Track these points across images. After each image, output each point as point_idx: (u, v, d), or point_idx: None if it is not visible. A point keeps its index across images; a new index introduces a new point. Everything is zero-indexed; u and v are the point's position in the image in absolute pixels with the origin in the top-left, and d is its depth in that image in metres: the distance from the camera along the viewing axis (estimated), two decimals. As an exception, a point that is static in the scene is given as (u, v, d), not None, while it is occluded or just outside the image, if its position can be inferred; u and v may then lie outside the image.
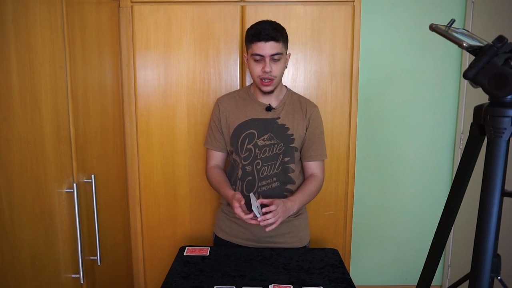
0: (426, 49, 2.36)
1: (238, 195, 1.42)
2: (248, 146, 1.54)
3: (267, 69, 1.44)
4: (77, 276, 1.30)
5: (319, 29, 1.83)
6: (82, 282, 1.31)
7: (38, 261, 1.11)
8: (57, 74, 1.20)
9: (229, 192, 1.49)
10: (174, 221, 1.98)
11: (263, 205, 1.41)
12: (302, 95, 1.86)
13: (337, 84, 1.88)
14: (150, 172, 1.94)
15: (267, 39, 1.41)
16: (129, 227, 1.97)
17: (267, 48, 1.42)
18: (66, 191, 1.25)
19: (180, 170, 1.94)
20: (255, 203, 1.36)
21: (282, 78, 1.59)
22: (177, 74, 1.87)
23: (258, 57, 1.44)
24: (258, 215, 1.34)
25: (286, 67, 1.55)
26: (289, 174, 1.56)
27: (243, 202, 1.39)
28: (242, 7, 1.82)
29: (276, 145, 1.54)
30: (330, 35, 1.84)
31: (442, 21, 1.03)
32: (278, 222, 1.36)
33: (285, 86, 1.65)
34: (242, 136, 1.55)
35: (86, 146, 1.42)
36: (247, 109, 1.57)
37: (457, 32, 0.96)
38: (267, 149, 1.54)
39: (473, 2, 2.25)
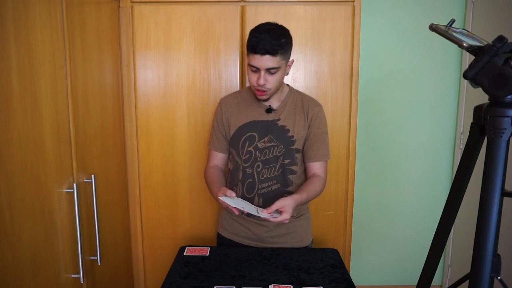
0: (426, 49, 2.36)
1: (224, 190, 1.38)
2: (249, 149, 1.53)
3: (261, 82, 1.40)
4: (77, 276, 1.30)
5: (319, 29, 1.83)
6: (82, 282, 1.31)
7: (38, 261, 1.11)
8: (57, 74, 1.20)
9: (216, 190, 1.46)
10: (174, 221, 1.98)
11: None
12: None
13: (337, 84, 1.88)
14: (150, 172, 1.94)
15: (263, 52, 1.35)
16: (129, 227, 1.97)
17: (262, 61, 1.37)
18: (66, 191, 1.25)
19: (180, 170, 1.94)
20: (241, 203, 1.35)
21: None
22: (177, 74, 1.87)
23: (254, 68, 1.41)
24: (254, 211, 1.33)
25: (288, 73, 1.50)
26: (289, 176, 1.55)
27: (227, 192, 1.37)
28: (242, 7, 1.82)
29: (276, 147, 1.52)
30: (330, 35, 1.84)
31: (442, 21, 1.03)
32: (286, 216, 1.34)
33: (287, 85, 1.60)
34: (243, 138, 1.54)
35: (86, 146, 1.42)
36: (248, 111, 1.56)
37: (457, 32, 0.96)
38: (267, 151, 1.53)
39: (473, 2, 2.25)
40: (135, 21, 1.82)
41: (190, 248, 1.56)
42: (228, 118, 1.58)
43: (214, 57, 1.85)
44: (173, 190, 1.95)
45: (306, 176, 1.60)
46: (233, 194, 1.37)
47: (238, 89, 1.88)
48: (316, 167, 1.55)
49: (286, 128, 1.53)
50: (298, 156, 1.56)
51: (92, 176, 1.41)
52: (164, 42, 1.84)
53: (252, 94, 1.57)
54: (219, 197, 1.35)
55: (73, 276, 1.29)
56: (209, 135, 1.91)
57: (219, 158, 1.64)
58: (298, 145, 1.54)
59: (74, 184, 1.25)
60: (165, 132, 1.91)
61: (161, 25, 1.82)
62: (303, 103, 1.56)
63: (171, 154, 1.93)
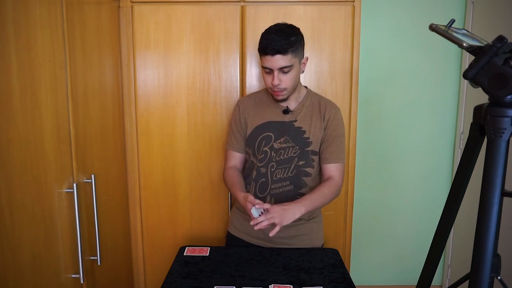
0: (426, 49, 2.36)
1: (250, 197, 1.38)
2: (264, 149, 1.53)
3: (275, 82, 1.41)
4: (77, 276, 1.30)
5: (319, 29, 1.83)
6: (82, 282, 1.31)
7: (38, 261, 1.11)
8: (57, 74, 1.20)
9: (239, 194, 1.47)
10: (174, 221, 1.98)
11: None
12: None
13: (337, 84, 1.88)
14: (150, 172, 1.94)
15: (273, 53, 1.37)
16: (129, 227, 1.97)
17: (274, 61, 1.39)
18: (66, 191, 1.25)
19: (180, 170, 1.94)
20: (256, 214, 1.35)
21: (301, 78, 1.54)
22: (177, 74, 1.87)
23: (267, 70, 1.43)
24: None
25: (303, 71, 1.49)
26: (303, 178, 1.54)
27: (256, 203, 1.37)
28: (242, 7, 1.82)
29: (291, 148, 1.52)
30: (330, 35, 1.84)
31: (442, 21, 1.03)
32: (278, 226, 1.32)
33: (305, 87, 1.60)
34: (259, 138, 1.54)
35: (86, 146, 1.42)
36: (265, 111, 1.56)
37: (457, 32, 0.96)
38: (283, 151, 1.52)
39: (473, 2, 2.25)
40: (135, 21, 1.82)
41: (190, 248, 1.56)
42: (246, 118, 1.59)
43: (214, 57, 1.85)
44: (173, 190, 1.95)
45: (321, 179, 1.58)
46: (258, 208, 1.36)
47: (238, 89, 1.88)
48: (330, 169, 1.53)
49: (302, 129, 1.53)
50: (314, 158, 1.55)
51: (92, 176, 1.41)
52: (164, 42, 1.84)
53: (269, 95, 1.57)
54: (251, 210, 1.35)
55: (73, 276, 1.29)
56: (209, 135, 1.91)
57: (237, 158, 1.63)
58: (314, 147, 1.53)
59: (74, 184, 1.25)
60: (165, 132, 1.91)
61: (161, 25, 1.82)
62: (320, 105, 1.55)
63: (171, 154, 1.93)
